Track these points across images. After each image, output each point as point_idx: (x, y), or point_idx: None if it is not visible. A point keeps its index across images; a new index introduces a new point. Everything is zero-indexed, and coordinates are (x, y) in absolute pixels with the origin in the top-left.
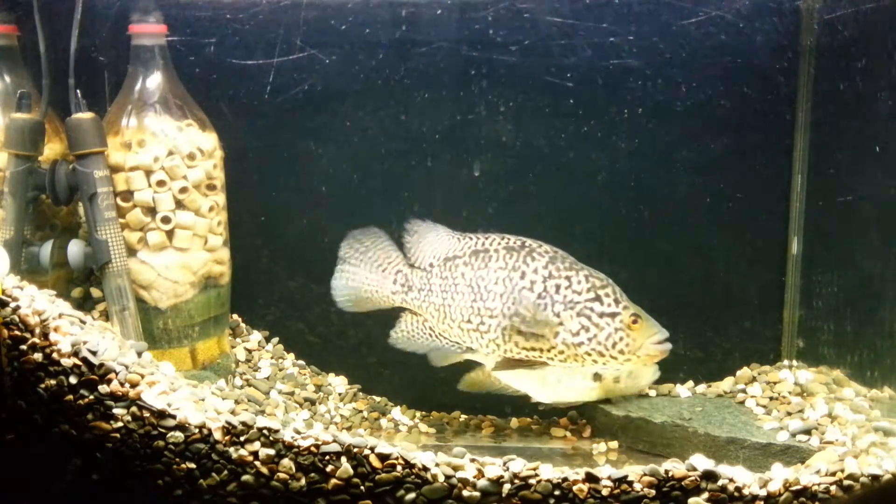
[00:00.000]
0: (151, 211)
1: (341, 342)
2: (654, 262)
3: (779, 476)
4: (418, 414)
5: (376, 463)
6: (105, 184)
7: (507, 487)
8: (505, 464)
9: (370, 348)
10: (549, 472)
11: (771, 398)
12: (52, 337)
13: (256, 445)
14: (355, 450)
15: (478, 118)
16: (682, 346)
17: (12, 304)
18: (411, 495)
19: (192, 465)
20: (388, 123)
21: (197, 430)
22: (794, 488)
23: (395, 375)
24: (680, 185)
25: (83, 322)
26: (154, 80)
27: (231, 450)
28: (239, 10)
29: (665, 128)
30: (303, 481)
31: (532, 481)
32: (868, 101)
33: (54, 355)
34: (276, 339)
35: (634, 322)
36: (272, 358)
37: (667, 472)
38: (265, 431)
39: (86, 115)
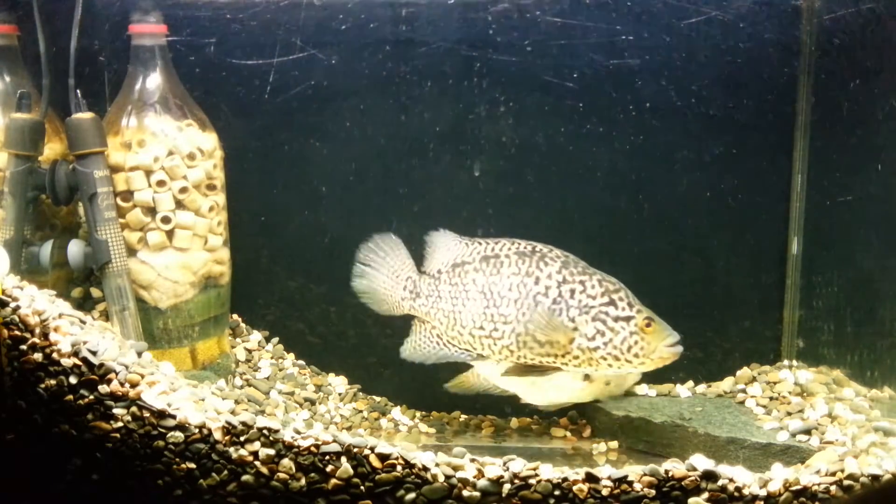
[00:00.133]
0: (151, 211)
1: (341, 342)
2: (654, 262)
3: (779, 476)
4: (418, 414)
5: (376, 463)
6: (105, 184)
7: (507, 487)
8: (505, 464)
9: (370, 348)
10: (549, 472)
11: (771, 398)
12: (52, 337)
13: (256, 445)
14: (355, 450)
15: (478, 118)
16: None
17: (12, 304)
18: (411, 495)
19: (192, 465)
20: (389, 123)
21: (197, 430)
22: (794, 488)
23: (395, 375)
24: (680, 185)
25: (83, 322)
26: (154, 80)
27: (231, 450)
28: (239, 10)
29: (665, 128)
30: (303, 481)
31: (532, 481)
32: (868, 100)
33: (54, 355)
34: (276, 339)
35: (648, 325)
36: (272, 358)
37: (667, 472)
38: (265, 431)
39: (86, 115)
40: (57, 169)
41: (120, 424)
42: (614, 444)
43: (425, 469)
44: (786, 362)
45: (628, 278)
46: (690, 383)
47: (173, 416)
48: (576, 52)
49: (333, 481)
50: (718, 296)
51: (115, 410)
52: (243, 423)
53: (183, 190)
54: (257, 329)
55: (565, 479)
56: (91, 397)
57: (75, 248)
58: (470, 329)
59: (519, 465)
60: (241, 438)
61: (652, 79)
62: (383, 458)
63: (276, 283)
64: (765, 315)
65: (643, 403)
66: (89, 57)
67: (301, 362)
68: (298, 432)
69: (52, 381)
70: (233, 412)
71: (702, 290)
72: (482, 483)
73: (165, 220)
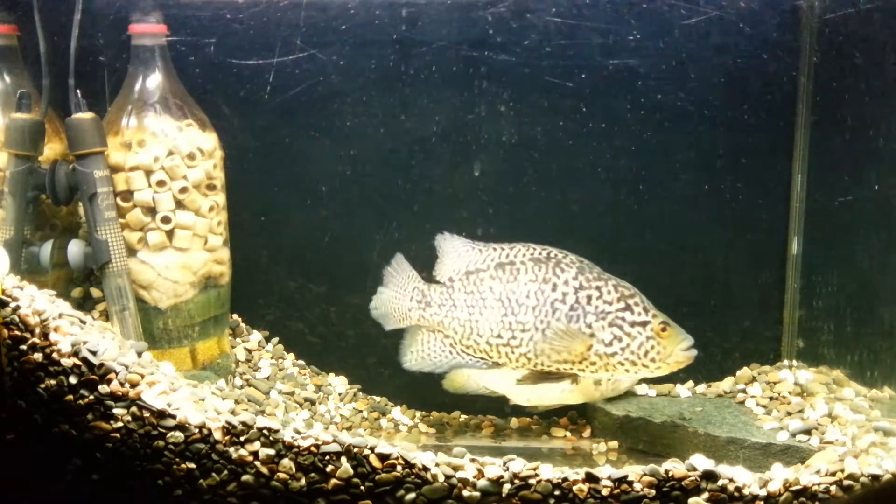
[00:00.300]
0: (151, 211)
1: (341, 342)
2: (654, 262)
3: (779, 476)
4: (418, 414)
5: (376, 463)
6: (105, 184)
7: (507, 487)
8: (505, 464)
9: (370, 348)
10: (549, 472)
11: (771, 398)
12: (52, 337)
13: (256, 445)
14: (355, 450)
15: (478, 117)
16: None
17: (12, 304)
18: (411, 495)
19: (192, 465)
20: (389, 123)
21: (197, 430)
22: (794, 488)
23: (395, 375)
24: (680, 185)
25: (83, 322)
26: (154, 80)
27: (231, 450)
28: (239, 10)
29: (665, 127)
30: (303, 481)
31: (532, 481)
32: (868, 100)
33: (54, 355)
34: (276, 339)
35: (664, 330)
36: (272, 358)
37: (667, 472)
38: (265, 431)
39: (86, 115)
40: (57, 169)
41: (120, 424)
42: (614, 444)
43: (425, 469)
44: (786, 362)
45: (629, 278)
46: (690, 383)
47: (173, 416)
48: (576, 51)
49: (333, 481)
50: (718, 296)
51: (115, 410)
52: (243, 423)
53: (183, 190)
54: (257, 329)
55: (565, 479)
56: (91, 397)
57: (75, 248)
58: (487, 338)
59: (519, 465)
60: (241, 438)
61: (652, 79)
62: (383, 458)
63: (276, 283)
64: (765, 315)
65: (643, 403)
66: (89, 57)
67: (301, 362)
68: (298, 432)
69: (52, 381)
70: (233, 412)
71: (702, 290)
72: (482, 483)
73: (165, 220)
